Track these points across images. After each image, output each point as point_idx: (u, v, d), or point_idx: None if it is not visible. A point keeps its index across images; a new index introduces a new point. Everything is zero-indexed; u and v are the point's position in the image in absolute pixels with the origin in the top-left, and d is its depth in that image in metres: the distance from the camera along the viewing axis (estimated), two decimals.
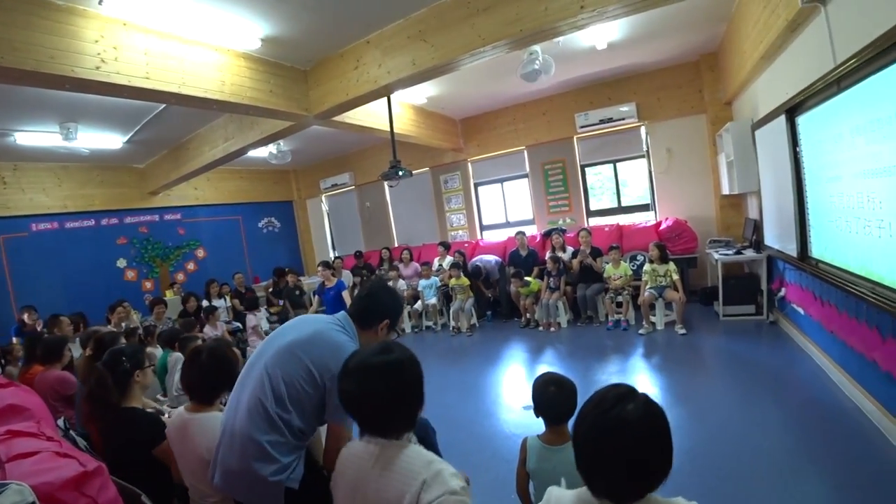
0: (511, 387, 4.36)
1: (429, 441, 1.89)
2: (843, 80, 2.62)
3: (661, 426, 0.95)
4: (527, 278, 6.09)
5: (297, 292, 7.25)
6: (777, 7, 3.28)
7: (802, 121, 3.40)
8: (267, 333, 5.82)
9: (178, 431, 1.81)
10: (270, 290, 7.70)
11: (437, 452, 1.87)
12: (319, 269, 6.12)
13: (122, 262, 7.35)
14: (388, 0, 3.65)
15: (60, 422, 2.86)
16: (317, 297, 6.03)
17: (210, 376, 1.82)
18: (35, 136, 5.19)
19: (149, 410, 2.35)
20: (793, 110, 3.49)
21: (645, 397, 0.97)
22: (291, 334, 1.63)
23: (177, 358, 3.56)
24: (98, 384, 2.08)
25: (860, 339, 2.93)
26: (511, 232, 7.52)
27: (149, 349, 4.07)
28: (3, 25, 2.72)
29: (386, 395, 1.17)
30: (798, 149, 3.50)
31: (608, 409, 0.95)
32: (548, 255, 6.15)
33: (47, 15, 2.92)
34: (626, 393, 0.98)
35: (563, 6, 3.28)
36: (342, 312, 1.77)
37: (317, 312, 5.73)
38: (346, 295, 5.50)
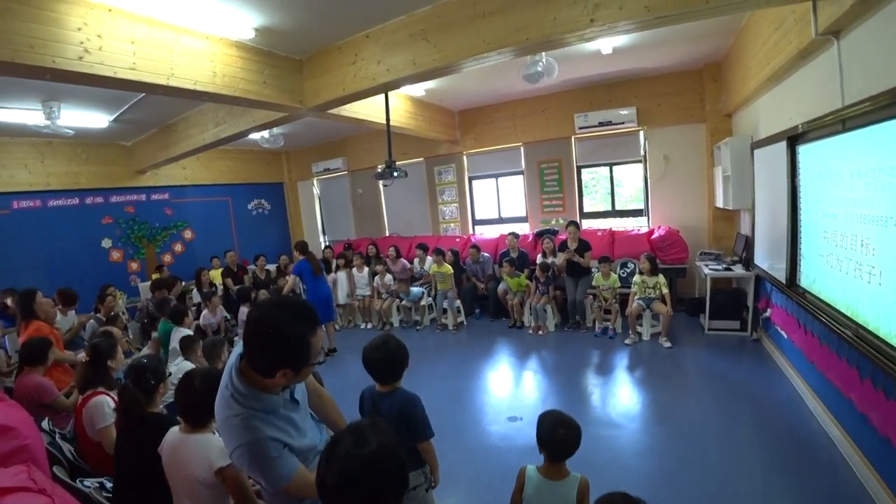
0: (496, 395, 4.39)
1: (413, 416, 1.91)
2: (850, 122, 2.59)
3: None
4: (517, 271, 6.11)
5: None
6: (789, 32, 3.21)
7: (803, 150, 3.37)
8: None
9: (171, 453, 1.86)
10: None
11: (425, 424, 1.93)
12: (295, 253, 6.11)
13: (107, 243, 7.20)
14: None
15: (45, 424, 2.84)
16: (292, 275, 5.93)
17: (203, 401, 1.80)
18: (16, 114, 4.98)
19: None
20: (795, 139, 3.45)
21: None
22: None
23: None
24: (133, 403, 2.17)
25: (839, 375, 2.98)
26: (503, 229, 7.53)
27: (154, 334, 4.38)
28: None
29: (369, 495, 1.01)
30: (797, 178, 3.48)
31: None
32: (538, 259, 6.14)
33: (27, 0, 2.75)
34: None
35: (572, 18, 3.18)
36: (236, 356, 1.36)
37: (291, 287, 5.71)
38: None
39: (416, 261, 7.17)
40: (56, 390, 3.00)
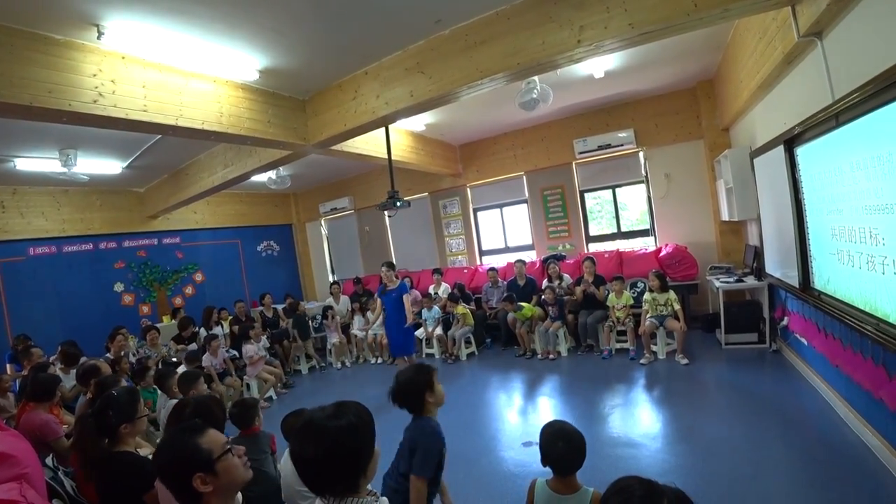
0: (510, 421, 4.25)
1: (418, 445, 1.90)
2: (842, 115, 2.61)
3: None
4: (520, 303, 6.03)
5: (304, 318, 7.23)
6: (774, 39, 3.30)
7: (801, 152, 3.38)
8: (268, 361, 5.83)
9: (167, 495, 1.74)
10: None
11: (424, 460, 1.88)
12: (383, 269, 6.10)
13: (119, 287, 7.31)
14: (386, 32, 3.68)
15: (49, 460, 2.79)
16: (378, 299, 5.92)
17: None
18: (34, 162, 5.21)
19: (142, 452, 2.26)
20: (791, 141, 3.48)
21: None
22: None
23: (167, 400, 3.48)
24: (81, 435, 2.04)
25: (866, 375, 2.86)
26: (510, 257, 7.50)
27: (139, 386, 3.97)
28: (1, 62, 2.74)
29: (319, 455, 1.13)
30: (798, 180, 3.48)
31: None
32: (545, 284, 6.11)
33: (46, 49, 2.95)
34: (651, 492, 0.94)
35: (560, 40, 3.31)
36: None
37: (378, 316, 5.75)
38: (406, 299, 5.40)
39: (431, 287, 7.21)
40: (60, 430, 2.97)
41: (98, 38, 3.02)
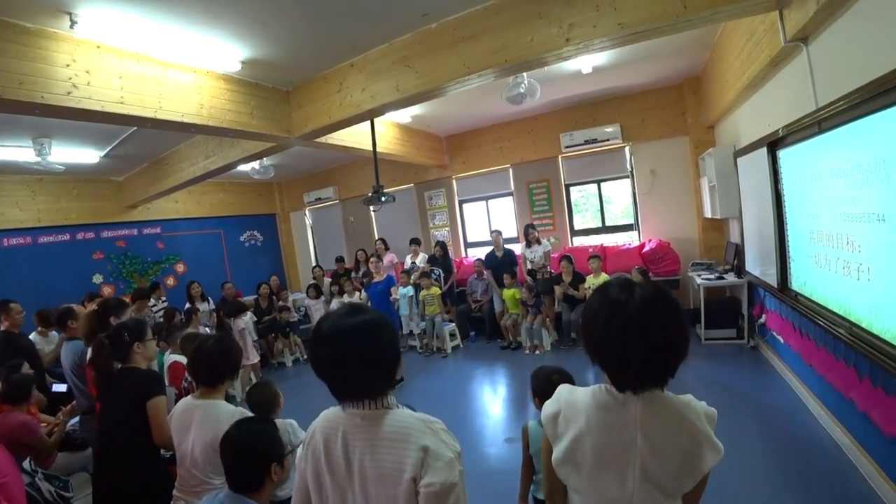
0: (494, 417, 4.30)
1: None
2: (824, 123, 2.65)
3: (674, 300, 1.03)
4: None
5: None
6: (760, 42, 3.32)
7: (784, 155, 3.43)
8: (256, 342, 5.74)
9: (182, 416, 1.91)
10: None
11: None
12: (372, 260, 6.01)
13: (98, 278, 7.13)
14: (372, 25, 3.60)
15: (27, 464, 2.75)
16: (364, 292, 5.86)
17: (214, 361, 1.92)
18: (5, 151, 5.01)
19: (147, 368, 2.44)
20: (774, 144, 3.52)
21: (644, 278, 1.03)
22: None
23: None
24: (96, 352, 2.33)
25: (838, 376, 2.95)
26: None
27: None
28: None
29: (365, 356, 1.09)
30: (779, 182, 3.54)
31: (625, 299, 1.00)
32: (523, 256, 6.21)
33: (16, 38, 2.81)
34: (625, 282, 1.05)
35: (548, 38, 3.27)
36: None
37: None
38: (394, 291, 5.29)
39: (409, 257, 7.16)
40: (39, 429, 2.91)
41: (71, 26, 2.89)
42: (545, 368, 2.08)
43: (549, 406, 1.15)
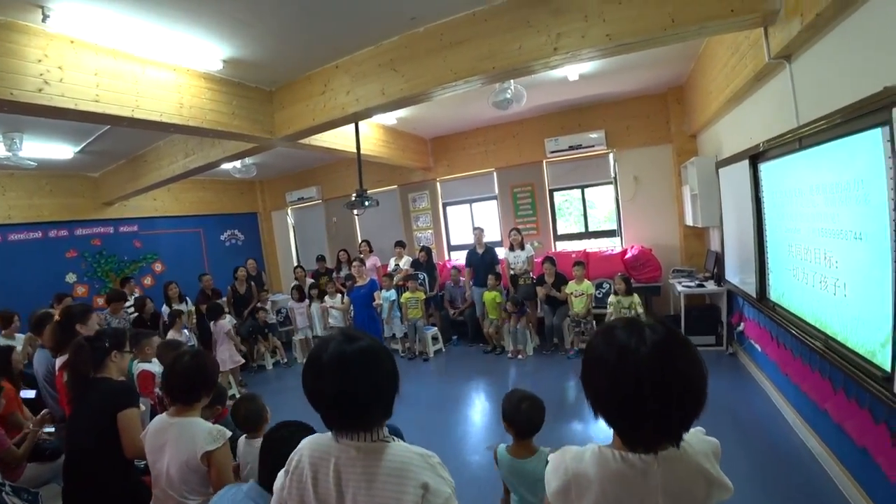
0: (476, 424, 4.29)
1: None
2: (805, 140, 2.69)
3: (688, 341, 0.92)
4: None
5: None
6: (745, 56, 3.37)
7: (765, 168, 3.48)
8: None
9: (155, 436, 1.84)
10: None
11: None
12: (355, 264, 5.97)
13: (71, 277, 6.90)
14: (358, 26, 3.54)
15: None
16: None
17: (190, 377, 1.86)
18: None
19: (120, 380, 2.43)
20: (756, 157, 3.58)
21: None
22: None
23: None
24: (75, 354, 2.31)
25: (813, 386, 3.01)
26: None
27: None
28: None
29: (366, 386, 1.06)
30: (760, 195, 3.59)
31: (636, 345, 0.88)
32: (506, 259, 6.25)
33: None
34: (632, 322, 0.93)
35: (536, 46, 3.27)
36: None
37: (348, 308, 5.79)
38: (377, 295, 5.13)
39: (392, 259, 7.12)
40: (7, 440, 2.80)
41: (43, 20, 2.77)
42: (517, 393, 2.05)
43: (554, 481, 1.00)
